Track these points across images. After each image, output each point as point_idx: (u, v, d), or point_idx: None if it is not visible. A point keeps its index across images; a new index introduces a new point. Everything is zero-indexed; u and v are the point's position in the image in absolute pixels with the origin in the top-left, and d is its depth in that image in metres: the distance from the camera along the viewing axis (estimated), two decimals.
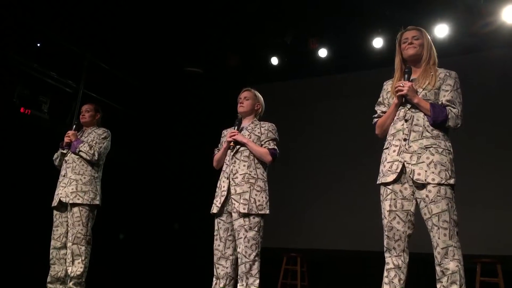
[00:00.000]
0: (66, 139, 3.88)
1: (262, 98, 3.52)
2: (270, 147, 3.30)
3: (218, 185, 3.34)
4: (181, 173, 6.95)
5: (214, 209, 3.29)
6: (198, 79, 7.04)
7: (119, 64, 6.30)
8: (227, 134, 3.37)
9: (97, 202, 3.79)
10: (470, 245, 5.30)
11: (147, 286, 6.29)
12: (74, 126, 4.00)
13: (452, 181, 2.54)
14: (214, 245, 3.28)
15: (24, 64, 5.12)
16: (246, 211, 3.13)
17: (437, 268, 2.50)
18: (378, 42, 6.11)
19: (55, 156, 4.01)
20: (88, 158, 3.78)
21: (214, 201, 3.31)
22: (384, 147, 2.77)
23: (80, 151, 3.78)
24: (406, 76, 2.72)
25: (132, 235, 6.25)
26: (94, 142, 3.86)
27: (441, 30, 5.68)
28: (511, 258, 5.00)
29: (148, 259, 6.35)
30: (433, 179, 2.51)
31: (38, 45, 5.57)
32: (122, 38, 6.10)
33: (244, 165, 3.25)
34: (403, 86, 2.65)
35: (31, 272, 4.36)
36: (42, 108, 5.31)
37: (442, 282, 2.47)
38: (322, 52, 6.57)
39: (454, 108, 2.62)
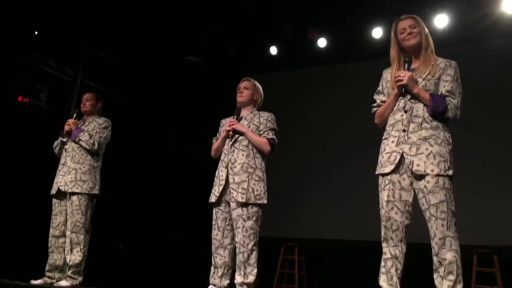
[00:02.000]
0: (66, 128, 3.87)
1: (261, 88, 3.51)
2: (269, 137, 3.30)
3: (216, 174, 3.35)
4: (179, 163, 6.94)
5: (213, 198, 3.29)
6: (197, 68, 7.01)
7: (117, 53, 6.27)
8: (226, 124, 3.37)
9: (96, 192, 3.79)
10: (467, 236, 5.33)
11: (145, 275, 6.32)
12: (75, 114, 3.99)
13: (450, 172, 2.54)
14: (212, 234, 3.29)
15: (22, 52, 5.10)
16: (244, 200, 3.14)
17: (434, 259, 2.51)
18: (377, 32, 6.09)
19: (55, 144, 4.00)
20: (87, 147, 3.77)
21: (212, 191, 3.32)
22: (383, 138, 2.76)
23: (80, 140, 3.77)
24: (406, 65, 2.70)
25: (131, 225, 6.26)
26: (94, 131, 3.85)
27: (441, 20, 5.66)
28: (507, 248, 5.02)
29: (146, 249, 6.37)
30: (432, 170, 2.51)
31: (36, 33, 5.54)
32: (120, 27, 6.06)
33: (242, 155, 3.25)
34: (403, 76, 2.64)
35: (30, 260, 4.36)
36: (40, 96, 5.30)
37: (439, 272, 2.49)
38: (321, 42, 6.54)
39: (453, 99, 2.62)
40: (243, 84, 3.46)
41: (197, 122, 6.71)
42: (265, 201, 3.23)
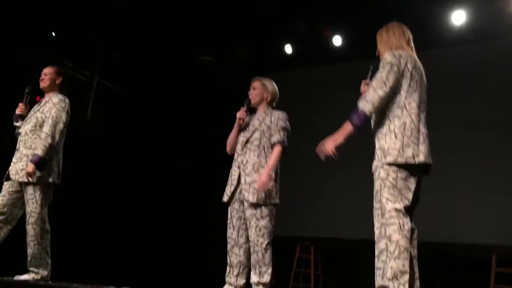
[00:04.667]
0: (17, 111, 3.58)
1: (272, 86, 3.45)
2: (279, 138, 3.26)
3: (230, 173, 3.35)
4: (193, 162, 6.97)
5: (225, 198, 3.31)
6: (212, 68, 7.02)
7: (132, 53, 6.31)
8: (237, 114, 3.37)
9: (49, 180, 3.37)
10: (486, 235, 5.26)
11: (160, 275, 6.34)
12: (25, 98, 3.62)
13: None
14: (228, 233, 3.30)
15: (39, 53, 5.16)
16: (255, 201, 3.13)
17: None
18: None
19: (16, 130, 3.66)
20: (48, 145, 3.32)
21: (226, 190, 3.33)
22: None
23: (40, 155, 3.30)
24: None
25: (146, 225, 6.29)
26: (49, 114, 3.43)
27: (458, 17, 5.58)
28: None
29: (162, 248, 6.40)
30: None
31: (53, 34, 5.61)
32: (135, 27, 6.10)
33: (254, 155, 3.24)
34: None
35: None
36: None
37: None
38: (337, 40, 6.50)
39: None
40: (253, 84, 3.44)
41: (212, 121, 6.72)
42: (278, 201, 3.21)
